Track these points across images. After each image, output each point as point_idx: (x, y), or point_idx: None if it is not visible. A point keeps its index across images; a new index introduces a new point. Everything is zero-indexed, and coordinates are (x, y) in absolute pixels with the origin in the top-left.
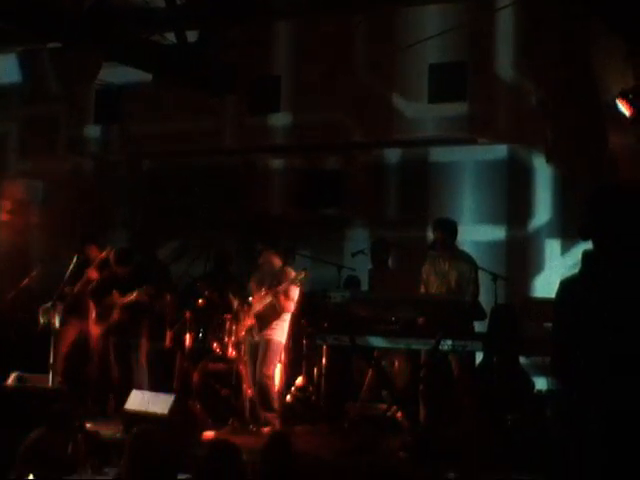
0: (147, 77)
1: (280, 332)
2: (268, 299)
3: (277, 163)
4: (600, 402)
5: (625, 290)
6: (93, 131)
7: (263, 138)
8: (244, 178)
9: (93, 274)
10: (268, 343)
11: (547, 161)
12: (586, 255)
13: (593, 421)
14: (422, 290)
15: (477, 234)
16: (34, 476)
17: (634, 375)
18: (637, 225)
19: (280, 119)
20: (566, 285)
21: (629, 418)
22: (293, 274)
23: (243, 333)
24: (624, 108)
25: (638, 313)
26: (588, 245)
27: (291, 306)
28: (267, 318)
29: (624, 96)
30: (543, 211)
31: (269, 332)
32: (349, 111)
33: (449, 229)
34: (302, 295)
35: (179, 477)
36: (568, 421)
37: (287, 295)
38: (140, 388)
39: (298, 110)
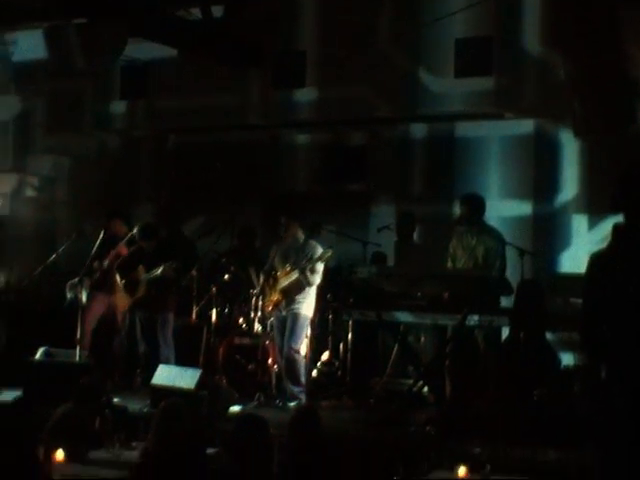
0: (172, 52)
1: (307, 306)
2: (294, 275)
3: (302, 138)
4: (628, 376)
5: None
6: (119, 107)
7: (288, 113)
8: (269, 153)
9: (123, 250)
10: (295, 317)
11: (575, 135)
12: (616, 229)
13: (621, 395)
14: (449, 265)
15: (504, 209)
16: (62, 450)
17: None
18: None
19: (305, 94)
20: (596, 259)
21: None
22: (319, 250)
23: (270, 308)
24: None
25: None
26: (618, 219)
27: (317, 280)
28: (294, 293)
29: None
30: (570, 186)
31: (296, 306)
32: (375, 86)
33: (476, 204)
34: (327, 270)
35: (207, 451)
36: (596, 396)
37: (313, 270)
38: (167, 363)
39: (323, 85)
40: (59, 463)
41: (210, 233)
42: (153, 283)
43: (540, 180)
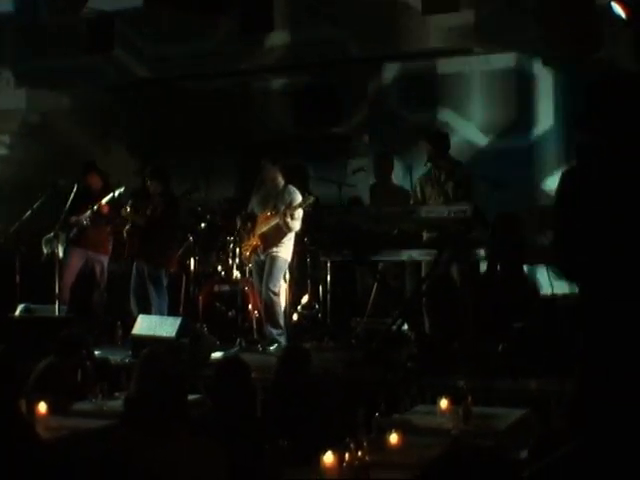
0: (138, 3)
1: (285, 250)
2: (274, 221)
3: (275, 83)
4: (605, 295)
5: (625, 180)
6: (87, 60)
7: (258, 58)
8: (241, 100)
9: (105, 208)
10: (274, 260)
11: (544, 64)
12: (582, 147)
13: (598, 315)
14: (420, 203)
15: (483, 142)
16: (45, 403)
17: (636, 263)
18: (636, 114)
19: (275, 37)
20: (567, 177)
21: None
22: (299, 196)
23: (248, 253)
24: (619, 9)
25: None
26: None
27: (296, 225)
28: (272, 237)
29: None
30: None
31: (275, 250)
32: (346, 26)
33: (440, 141)
34: (306, 215)
35: (190, 398)
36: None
37: (293, 216)
38: (161, 314)
39: (294, 27)
40: (42, 416)
41: (196, 190)
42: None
43: (518, 113)
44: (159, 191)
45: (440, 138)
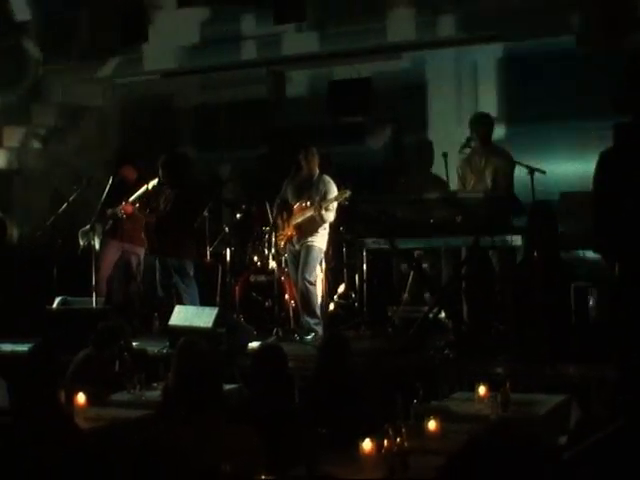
0: None
1: (321, 239)
2: (308, 212)
3: (304, 73)
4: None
5: None
6: (119, 54)
7: (289, 48)
8: (272, 89)
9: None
10: (309, 250)
11: (577, 47)
12: (619, 128)
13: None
14: (459, 188)
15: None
16: (83, 394)
17: None
18: None
19: (305, 27)
20: (605, 158)
21: None
22: (334, 187)
23: (283, 243)
24: None
25: None
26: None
27: (331, 217)
28: (307, 228)
29: None
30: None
31: (310, 239)
32: (378, 16)
33: (484, 125)
34: (340, 207)
35: (227, 387)
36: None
37: (327, 208)
38: (194, 304)
39: (323, 17)
40: (81, 406)
41: (230, 180)
42: None
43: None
44: (168, 182)
45: (483, 121)
